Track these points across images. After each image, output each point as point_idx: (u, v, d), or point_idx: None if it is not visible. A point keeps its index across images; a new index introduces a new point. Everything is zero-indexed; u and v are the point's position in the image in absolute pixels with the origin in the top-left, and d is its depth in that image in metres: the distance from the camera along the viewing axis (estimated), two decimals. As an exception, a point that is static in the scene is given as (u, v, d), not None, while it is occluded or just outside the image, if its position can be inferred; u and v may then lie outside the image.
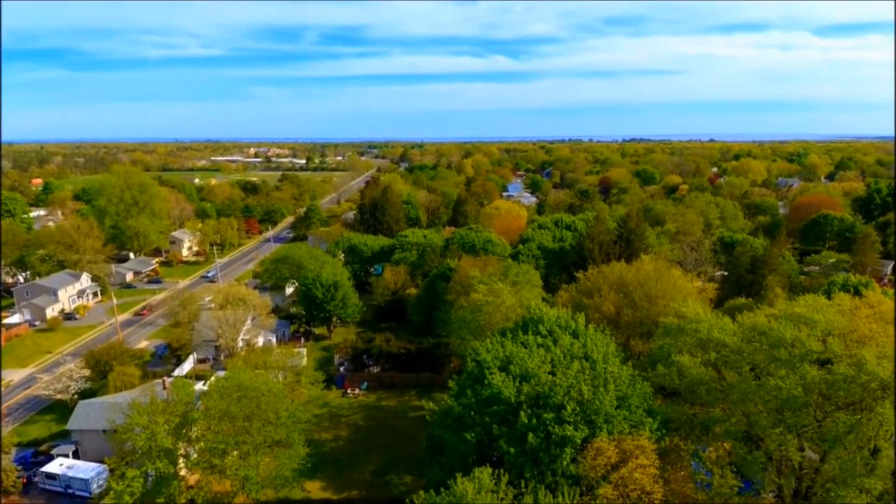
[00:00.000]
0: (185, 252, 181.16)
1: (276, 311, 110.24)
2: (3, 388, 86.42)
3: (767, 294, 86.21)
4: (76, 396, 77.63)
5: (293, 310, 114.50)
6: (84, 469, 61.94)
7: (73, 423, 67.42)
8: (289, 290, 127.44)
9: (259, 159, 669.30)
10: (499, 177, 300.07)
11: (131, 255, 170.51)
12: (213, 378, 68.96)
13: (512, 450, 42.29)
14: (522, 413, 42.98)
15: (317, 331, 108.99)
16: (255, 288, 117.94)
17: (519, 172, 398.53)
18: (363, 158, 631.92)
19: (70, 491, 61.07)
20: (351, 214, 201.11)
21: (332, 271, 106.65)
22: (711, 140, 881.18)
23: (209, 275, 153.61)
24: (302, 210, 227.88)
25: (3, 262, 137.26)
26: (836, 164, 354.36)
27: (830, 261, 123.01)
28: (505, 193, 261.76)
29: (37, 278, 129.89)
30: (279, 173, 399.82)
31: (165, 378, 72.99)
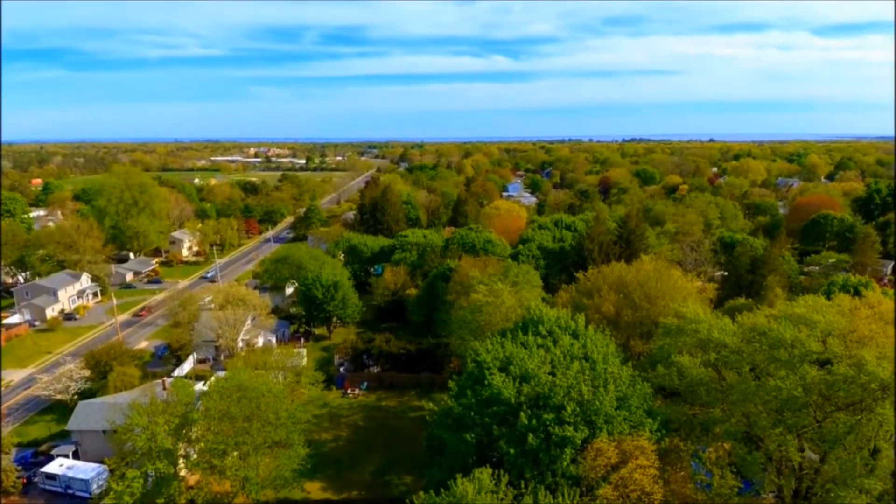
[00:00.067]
0: (184, 252, 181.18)
1: (275, 311, 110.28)
2: (3, 389, 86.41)
3: (767, 294, 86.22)
4: (76, 397, 77.64)
5: (293, 310, 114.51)
6: (84, 469, 61.94)
7: (73, 424, 67.42)
8: (289, 290, 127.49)
9: (259, 159, 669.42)
10: (499, 177, 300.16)
11: (131, 256, 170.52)
12: (212, 378, 68.97)
13: (512, 450, 42.31)
14: (522, 414, 43.00)
15: (317, 331, 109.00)
16: (255, 288, 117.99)
17: (519, 172, 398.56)
18: (363, 158, 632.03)
19: (70, 491, 61.06)
20: (351, 214, 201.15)
21: (332, 272, 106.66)
22: (711, 140, 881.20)
23: (208, 275, 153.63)
24: (302, 210, 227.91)
25: (3, 263, 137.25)
26: (835, 164, 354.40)
27: (830, 261, 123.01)
28: (505, 193, 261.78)
29: (37, 278, 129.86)
30: (279, 173, 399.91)
31: (165, 378, 72.98)
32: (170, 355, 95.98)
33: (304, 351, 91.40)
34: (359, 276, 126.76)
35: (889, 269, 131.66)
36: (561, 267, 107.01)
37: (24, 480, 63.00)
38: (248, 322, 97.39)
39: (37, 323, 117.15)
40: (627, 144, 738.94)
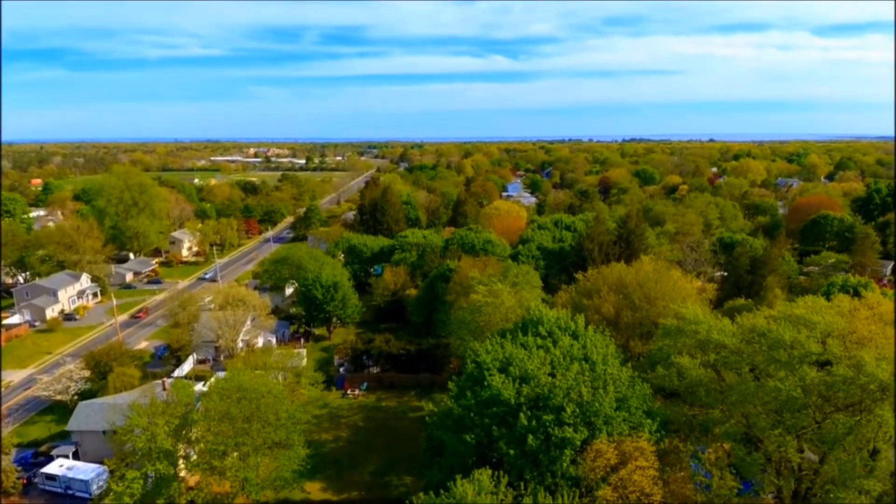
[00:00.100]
0: (184, 252, 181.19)
1: (275, 311, 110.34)
2: (3, 389, 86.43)
3: (767, 295, 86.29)
4: (76, 397, 77.66)
5: (293, 310, 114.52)
6: (84, 470, 61.98)
7: (73, 424, 67.45)
8: (288, 290, 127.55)
9: (259, 159, 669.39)
10: (498, 177, 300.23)
11: (131, 256, 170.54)
12: (212, 379, 69.03)
13: (511, 451, 42.35)
14: (522, 415, 43.04)
15: (316, 331, 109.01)
16: (255, 288, 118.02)
17: (519, 172, 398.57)
18: (363, 158, 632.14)
19: (70, 492, 61.10)
20: (351, 215, 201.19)
21: (332, 272, 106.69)
22: (711, 140, 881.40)
23: (206, 276, 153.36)
24: (301, 210, 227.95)
25: (3, 263, 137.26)
26: (835, 164, 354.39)
27: (830, 261, 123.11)
28: (504, 194, 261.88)
29: (37, 279, 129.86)
30: (279, 173, 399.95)
31: (165, 379, 73.04)
32: (170, 356, 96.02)
33: (303, 351, 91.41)
34: (359, 277, 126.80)
35: (889, 270, 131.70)
36: (561, 267, 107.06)
37: (24, 481, 63.04)
38: (248, 322, 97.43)
39: (37, 323, 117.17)
40: (627, 144, 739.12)
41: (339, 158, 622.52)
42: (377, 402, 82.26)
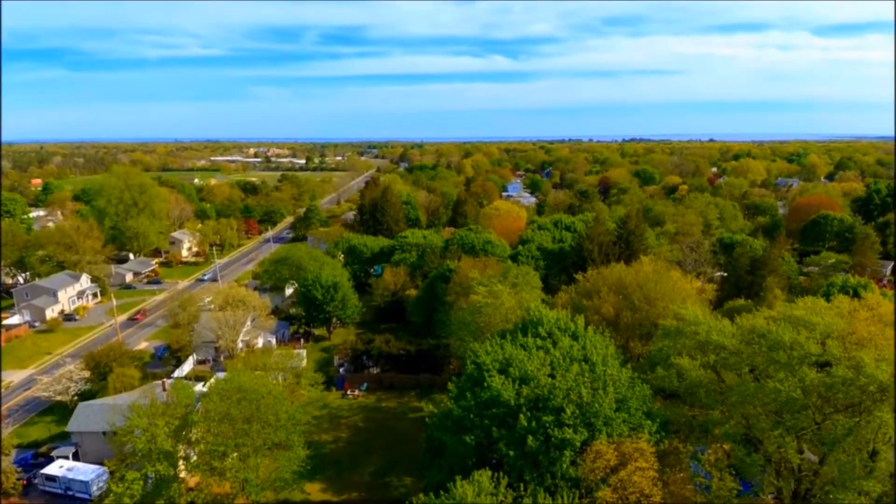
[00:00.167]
0: (184, 253, 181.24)
1: (275, 312, 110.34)
2: (2, 390, 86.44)
3: (767, 295, 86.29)
4: (76, 398, 77.69)
5: (293, 311, 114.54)
6: (84, 471, 62.01)
7: (73, 425, 67.47)
8: (288, 291, 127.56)
9: (259, 159, 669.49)
10: (498, 177, 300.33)
11: (131, 256, 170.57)
12: (212, 380, 69.05)
13: (511, 452, 42.36)
14: (522, 416, 43.05)
15: (316, 332, 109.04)
16: (255, 289, 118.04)
17: (518, 172, 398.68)
18: (363, 158, 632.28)
19: (70, 493, 61.13)
20: (351, 215, 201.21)
21: (332, 272, 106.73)
22: (711, 140, 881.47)
23: (205, 278, 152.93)
24: (301, 210, 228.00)
25: (3, 263, 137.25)
26: (835, 164, 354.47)
27: (830, 261, 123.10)
28: (504, 194, 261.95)
29: (36, 279, 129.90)
30: (279, 173, 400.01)
31: (165, 380, 73.07)
32: (169, 356, 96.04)
33: (303, 352, 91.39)
34: (358, 277, 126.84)
35: (888, 270, 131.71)
36: (560, 268, 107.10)
37: (25, 482, 63.07)
38: (248, 323, 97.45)
39: (37, 324, 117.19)
40: (627, 144, 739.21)
41: (339, 158, 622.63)
42: (377, 403, 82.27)
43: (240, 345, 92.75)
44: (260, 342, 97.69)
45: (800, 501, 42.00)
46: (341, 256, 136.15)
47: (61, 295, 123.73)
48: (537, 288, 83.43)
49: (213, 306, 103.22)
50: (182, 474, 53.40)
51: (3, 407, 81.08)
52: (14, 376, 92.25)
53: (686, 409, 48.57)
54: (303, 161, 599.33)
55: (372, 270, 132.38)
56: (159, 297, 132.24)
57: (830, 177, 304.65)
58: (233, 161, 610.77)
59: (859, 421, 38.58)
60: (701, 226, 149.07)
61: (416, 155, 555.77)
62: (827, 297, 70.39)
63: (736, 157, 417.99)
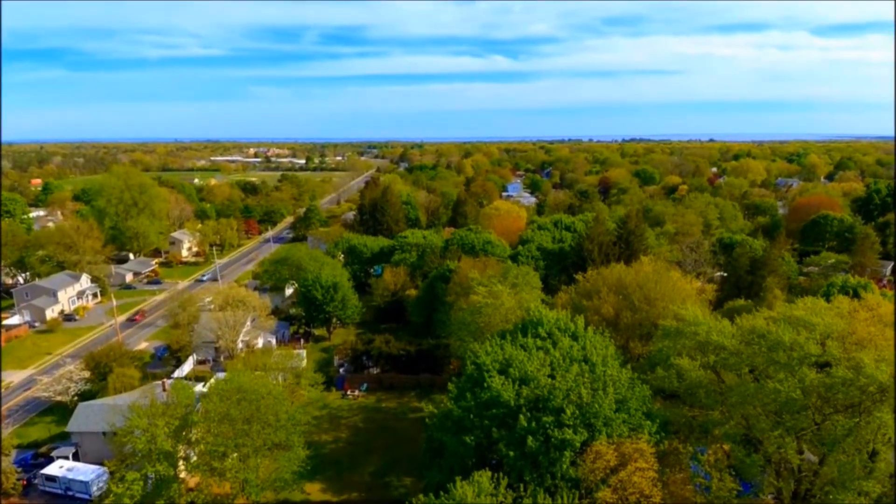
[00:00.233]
0: (184, 253, 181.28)
1: (275, 312, 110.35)
2: (3, 390, 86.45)
3: (766, 295, 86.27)
4: (76, 398, 77.70)
5: (293, 311, 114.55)
6: (84, 471, 62.02)
7: (73, 426, 67.49)
8: (288, 291, 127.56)
9: (259, 159, 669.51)
10: (498, 177, 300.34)
11: (131, 256, 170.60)
12: (212, 380, 69.08)
13: (511, 453, 42.37)
14: (522, 416, 43.06)
15: (316, 332, 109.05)
16: (255, 289, 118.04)
17: (518, 172, 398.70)
18: (363, 158, 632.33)
19: (70, 493, 61.13)
20: (350, 215, 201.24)
21: (332, 272, 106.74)
22: (711, 140, 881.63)
23: (203, 278, 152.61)
24: (301, 210, 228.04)
25: (3, 263, 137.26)
26: (835, 164, 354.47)
27: (830, 262, 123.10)
28: (504, 194, 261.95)
29: (36, 279, 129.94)
30: (279, 173, 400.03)
31: (165, 380, 73.06)
32: (169, 356, 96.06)
33: (303, 352, 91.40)
34: (358, 277, 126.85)
35: (888, 270, 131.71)
36: (560, 268, 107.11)
37: (25, 482, 63.09)
38: (248, 323, 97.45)
39: (36, 324, 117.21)
40: (627, 144, 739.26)
41: (339, 158, 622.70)
42: (377, 403, 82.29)
43: (240, 345, 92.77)
44: (260, 342, 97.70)
45: (799, 502, 42.02)
46: (341, 256, 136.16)
47: (61, 295, 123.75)
48: (537, 288, 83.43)
49: (213, 306, 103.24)
50: (182, 475, 53.42)
51: (3, 407, 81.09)
52: (14, 376, 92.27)
53: (686, 410, 48.57)
54: (303, 161, 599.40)
55: (372, 270, 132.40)
56: (159, 298, 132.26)
57: (830, 177, 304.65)
58: (233, 161, 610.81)
59: (859, 421, 38.60)
60: (701, 226, 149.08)
61: (416, 155, 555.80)
62: (827, 297, 70.36)
63: (736, 157, 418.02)
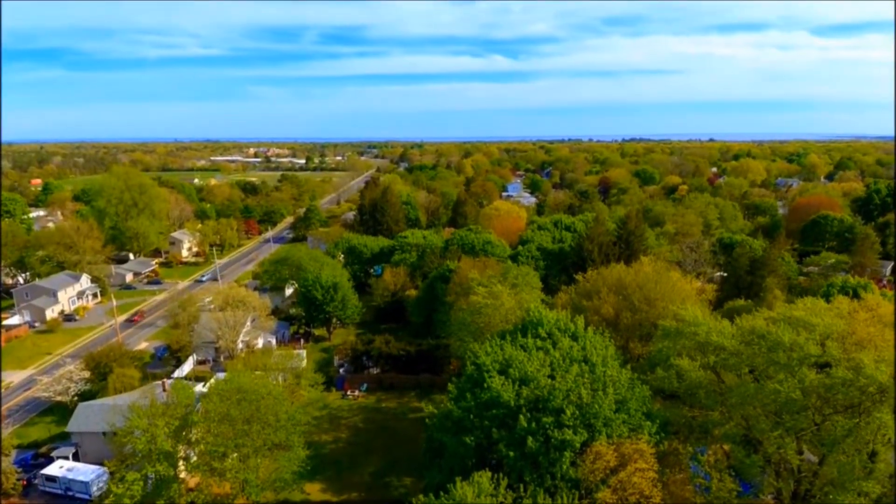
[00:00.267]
0: (184, 253, 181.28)
1: (275, 312, 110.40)
2: (3, 390, 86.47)
3: (766, 296, 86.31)
4: (76, 398, 77.73)
5: (293, 311, 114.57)
6: (84, 471, 62.05)
7: (73, 426, 67.52)
8: (288, 291, 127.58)
9: (258, 159, 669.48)
10: (498, 177, 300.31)
11: (131, 256, 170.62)
12: (212, 380, 69.11)
13: (511, 453, 42.38)
14: (522, 417, 43.07)
15: (316, 332, 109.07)
16: (255, 289, 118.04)
17: (518, 172, 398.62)
18: (363, 158, 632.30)
19: (70, 493, 61.16)
20: (350, 215, 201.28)
21: (332, 272, 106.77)
22: (711, 140, 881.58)
23: (203, 279, 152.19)
24: (301, 210, 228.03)
25: (3, 263, 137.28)
26: (835, 164, 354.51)
27: (830, 262, 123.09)
28: (504, 193, 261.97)
29: (36, 279, 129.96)
30: (279, 173, 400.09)
31: (165, 380, 73.08)
32: (169, 356, 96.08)
33: (303, 352, 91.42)
34: (358, 277, 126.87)
35: (888, 270, 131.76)
36: (560, 268, 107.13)
37: (25, 482, 63.12)
38: (248, 323, 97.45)
39: (36, 324, 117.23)
40: (627, 144, 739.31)
41: (339, 158, 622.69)
42: (377, 403, 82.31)
43: (240, 345, 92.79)
44: (260, 342, 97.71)
45: (799, 502, 42.04)
46: (341, 257, 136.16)
47: (61, 295, 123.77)
48: (537, 288, 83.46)
49: (213, 307, 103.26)
50: (182, 475, 53.44)
51: (4, 407, 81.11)
52: (14, 377, 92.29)
53: (686, 410, 48.59)
54: (303, 161, 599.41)
55: (372, 271, 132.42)
56: (159, 298, 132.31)
57: (830, 177, 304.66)
58: (233, 161, 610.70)
59: (859, 422, 38.63)
60: (701, 226, 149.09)
61: (416, 155, 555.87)
62: (827, 297, 70.46)
63: (736, 157, 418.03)
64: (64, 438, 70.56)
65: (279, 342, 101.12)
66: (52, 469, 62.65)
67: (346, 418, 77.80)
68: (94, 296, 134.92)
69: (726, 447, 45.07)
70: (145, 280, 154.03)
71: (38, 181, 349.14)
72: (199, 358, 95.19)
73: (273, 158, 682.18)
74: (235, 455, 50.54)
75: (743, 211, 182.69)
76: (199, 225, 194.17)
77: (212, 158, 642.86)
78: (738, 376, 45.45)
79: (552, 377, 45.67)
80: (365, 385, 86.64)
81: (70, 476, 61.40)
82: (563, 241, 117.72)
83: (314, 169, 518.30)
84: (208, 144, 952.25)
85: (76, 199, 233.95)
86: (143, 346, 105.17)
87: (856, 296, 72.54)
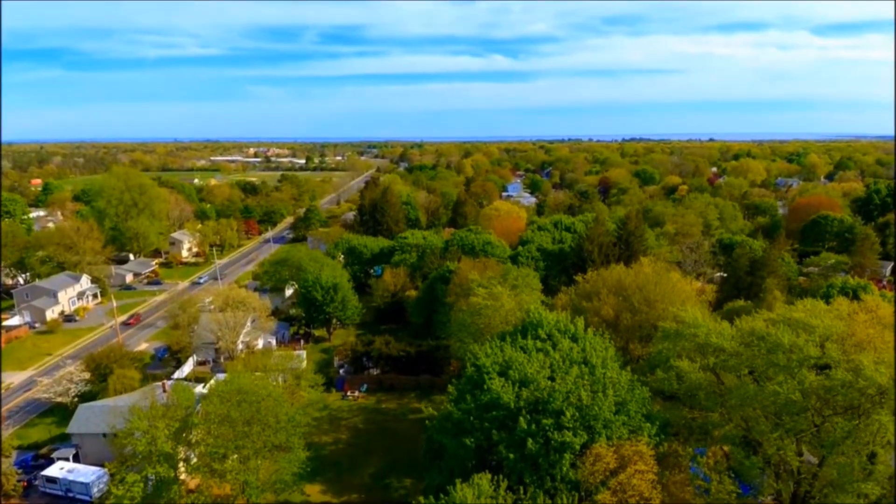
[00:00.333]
0: (184, 253, 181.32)
1: (275, 312, 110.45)
2: (3, 391, 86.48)
3: (766, 296, 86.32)
4: (76, 399, 77.76)
5: (293, 312, 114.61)
6: (84, 473, 62.08)
7: (74, 427, 67.57)
8: (288, 291, 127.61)
9: (258, 159, 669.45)
10: (498, 177, 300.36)
11: (131, 257, 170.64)
12: (212, 381, 69.15)
13: (511, 455, 42.43)
14: (522, 418, 43.12)
15: (316, 333, 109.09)
16: (255, 290, 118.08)
17: (518, 172, 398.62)
18: (363, 158, 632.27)
19: (71, 495, 61.20)
20: (350, 215, 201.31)
21: (332, 273, 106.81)
22: (711, 139, 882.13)
23: (201, 280, 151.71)
24: (301, 211, 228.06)
25: (3, 264, 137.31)
26: (835, 163, 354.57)
27: (829, 262, 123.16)
28: (504, 194, 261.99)
29: (37, 280, 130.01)
30: (279, 173, 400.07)
31: (165, 381, 73.12)
32: (169, 357, 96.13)
33: (303, 353, 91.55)
34: (358, 278, 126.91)
35: (888, 271, 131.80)
36: (560, 269, 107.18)
37: (25, 484, 63.19)
38: (248, 324, 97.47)
39: (37, 325, 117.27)
40: (627, 144, 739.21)
41: (338, 158, 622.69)
42: (377, 404, 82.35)
43: (240, 346, 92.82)
44: (260, 343, 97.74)
45: (799, 503, 42.09)
46: (341, 257, 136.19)
47: (61, 296, 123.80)
48: (537, 289, 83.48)
49: (213, 307, 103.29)
50: (182, 476, 53.47)
51: (4, 408, 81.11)
52: (14, 377, 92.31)
53: (686, 412, 48.62)
54: (303, 161, 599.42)
55: (372, 271, 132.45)
56: (159, 298, 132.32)
57: (830, 177, 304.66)
58: (233, 161, 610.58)
59: (858, 423, 38.64)
60: (701, 226, 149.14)
61: (416, 155, 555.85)
62: (826, 298, 70.47)
63: (736, 157, 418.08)
64: (64, 440, 70.62)
65: (279, 343, 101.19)
66: (53, 470, 62.67)
67: (346, 419, 77.84)
68: (95, 296, 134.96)
69: (726, 448, 45.08)
70: (145, 280, 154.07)
71: (38, 181, 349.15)
72: (199, 359, 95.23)
73: (273, 158, 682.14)
74: (236, 456, 50.59)
75: (743, 211, 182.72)
76: (199, 225, 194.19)
77: (212, 158, 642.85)
78: (738, 378, 45.44)
79: (552, 379, 45.71)
80: (365, 386, 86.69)
81: (70, 477, 61.44)
82: (563, 241, 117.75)
83: (314, 169, 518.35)
84: (208, 144, 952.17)
85: (76, 199, 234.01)
86: (143, 346, 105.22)
87: (855, 297, 72.60)
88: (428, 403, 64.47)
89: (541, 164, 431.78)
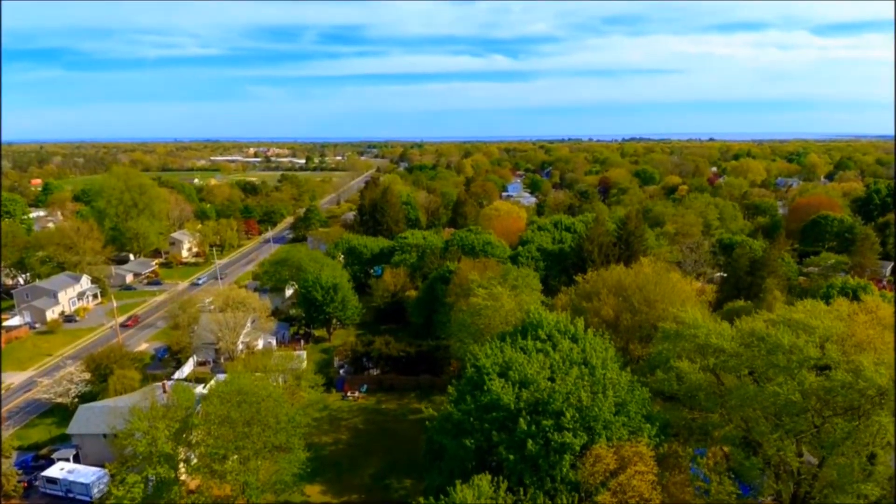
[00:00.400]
0: (184, 253, 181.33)
1: (275, 313, 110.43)
2: (3, 392, 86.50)
3: (766, 296, 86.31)
4: (76, 400, 77.77)
5: (293, 312, 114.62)
6: (85, 473, 62.10)
7: (74, 428, 67.59)
8: (288, 291, 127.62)
9: (258, 159, 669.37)
10: (498, 177, 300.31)
11: (131, 257, 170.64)
12: (212, 382, 69.16)
13: (511, 456, 42.45)
14: (522, 419, 43.14)
15: (316, 333, 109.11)
16: (255, 290, 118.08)
17: (518, 172, 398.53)
18: (363, 158, 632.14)
19: (71, 495, 61.21)
20: (350, 215, 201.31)
21: (332, 273, 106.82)
22: (711, 139, 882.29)
23: (200, 281, 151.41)
24: (301, 211, 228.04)
25: (3, 264, 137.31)
26: (835, 163, 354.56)
27: (829, 262, 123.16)
28: (504, 194, 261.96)
29: (37, 280, 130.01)
30: (279, 173, 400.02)
31: (165, 381, 73.13)
32: (170, 358, 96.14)
33: (303, 353, 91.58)
34: (358, 278, 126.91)
35: (888, 271, 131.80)
36: (560, 269, 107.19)
37: (25, 484, 63.18)
38: (248, 324, 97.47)
39: (37, 325, 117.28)
40: (627, 144, 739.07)
41: (338, 158, 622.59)
42: (377, 405, 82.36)
43: (240, 346, 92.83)
44: (260, 343, 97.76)
45: (799, 504, 42.11)
46: (341, 257, 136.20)
47: (61, 296, 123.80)
48: (537, 290, 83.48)
49: (213, 308, 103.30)
50: (182, 477, 53.48)
51: (4, 409, 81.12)
52: (14, 378, 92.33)
53: (686, 412, 48.66)
54: (303, 161, 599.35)
55: (372, 271, 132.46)
56: (159, 298, 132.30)
57: (830, 176, 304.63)
58: (233, 161, 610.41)
59: (858, 424, 38.66)
60: (701, 226, 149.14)
61: (416, 155, 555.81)
62: (826, 298, 70.49)
63: (736, 157, 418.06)
64: (64, 440, 70.64)
65: (279, 343, 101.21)
66: (53, 471, 62.71)
67: (346, 420, 77.85)
68: (95, 297, 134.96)
69: (726, 449, 45.11)
70: (145, 281, 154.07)
71: (38, 181, 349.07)
72: (200, 359, 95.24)
73: (273, 158, 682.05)
74: (236, 457, 50.63)
75: (743, 211, 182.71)
76: (199, 225, 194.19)
77: (212, 158, 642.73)
78: (738, 378, 45.47)
79: (552, 380, 45.73)
80: (365, 386, 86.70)
81: (71, 478, 61.46)
82: (563, 241, 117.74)
83: (314, 169, 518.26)
84: (208, 144, 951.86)
85: (76, 199, 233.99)
86: (143, 347, 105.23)
87: (855, 297, 72.61)
88: (428, 404, 64.56)
89: (541, 164, 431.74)
